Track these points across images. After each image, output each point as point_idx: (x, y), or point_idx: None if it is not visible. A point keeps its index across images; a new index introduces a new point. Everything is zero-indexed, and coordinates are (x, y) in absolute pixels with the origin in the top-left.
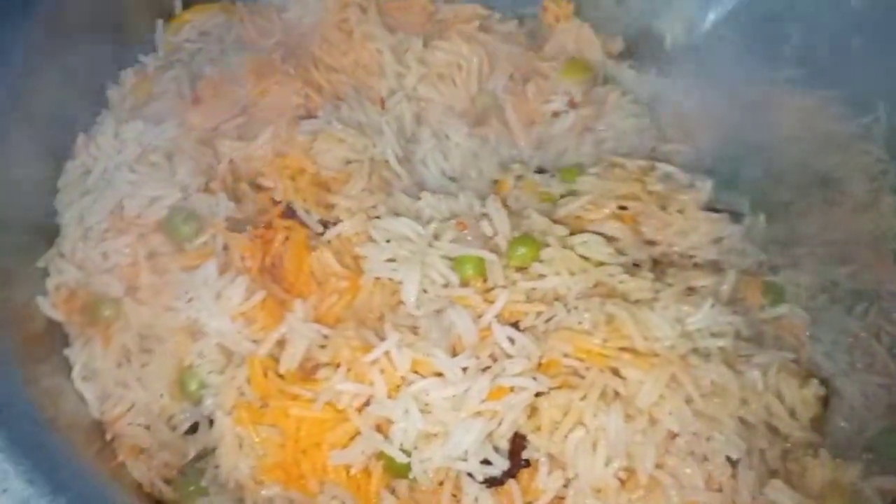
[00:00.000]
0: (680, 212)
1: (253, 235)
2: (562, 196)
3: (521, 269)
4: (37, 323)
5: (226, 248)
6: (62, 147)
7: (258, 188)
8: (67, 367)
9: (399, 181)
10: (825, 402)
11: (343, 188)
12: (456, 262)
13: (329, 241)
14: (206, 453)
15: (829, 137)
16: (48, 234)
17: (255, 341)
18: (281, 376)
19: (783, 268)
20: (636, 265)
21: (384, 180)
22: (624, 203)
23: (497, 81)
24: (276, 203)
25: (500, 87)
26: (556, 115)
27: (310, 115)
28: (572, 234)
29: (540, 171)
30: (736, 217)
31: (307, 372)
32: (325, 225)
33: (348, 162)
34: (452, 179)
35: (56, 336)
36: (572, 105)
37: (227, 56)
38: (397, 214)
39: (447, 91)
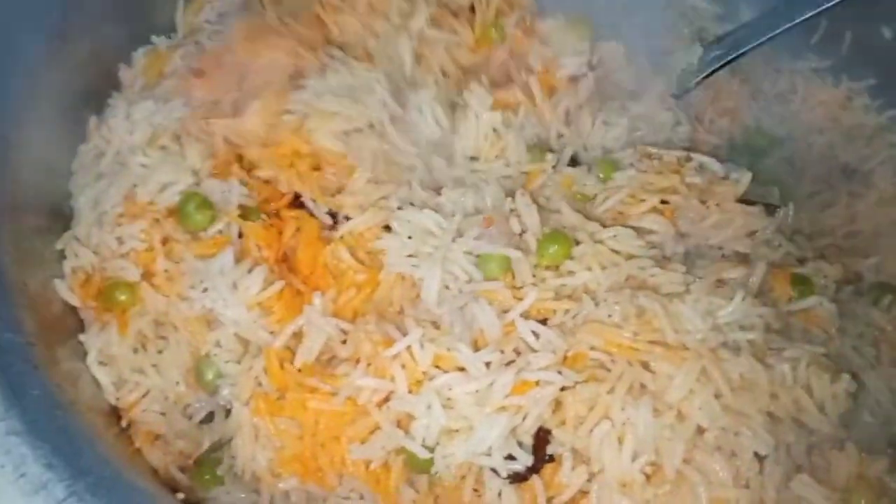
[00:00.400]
0: (717, 204)
1: (267, 224)
2: (596, 194)
3: (550, 267)
4: (54, 306)
5: (241, 236)
6: (80, 129)
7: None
8: (84, 352)
9: (411, 172)
10: (855, 397)
11: (348, 182)
12: (480, 260)
13: (342, 237)
14: (221, 443)
15: (856, 129)
16: (66, 216)
17: (272, 332)
18: (298, 369)
19: (810, 260)
20: (666, 258)
21: (393, 166)
22: (665, 197)
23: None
24: (282, 194)
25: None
26: (573, 80)
27: (300, 76)
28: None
29: (573, 163)
30: (770, 209)
31: (324, 365)
32: (335, 216)
33: (346, 133)
34: (473, 159)
35: (73, 320)
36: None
37: (228, 24)
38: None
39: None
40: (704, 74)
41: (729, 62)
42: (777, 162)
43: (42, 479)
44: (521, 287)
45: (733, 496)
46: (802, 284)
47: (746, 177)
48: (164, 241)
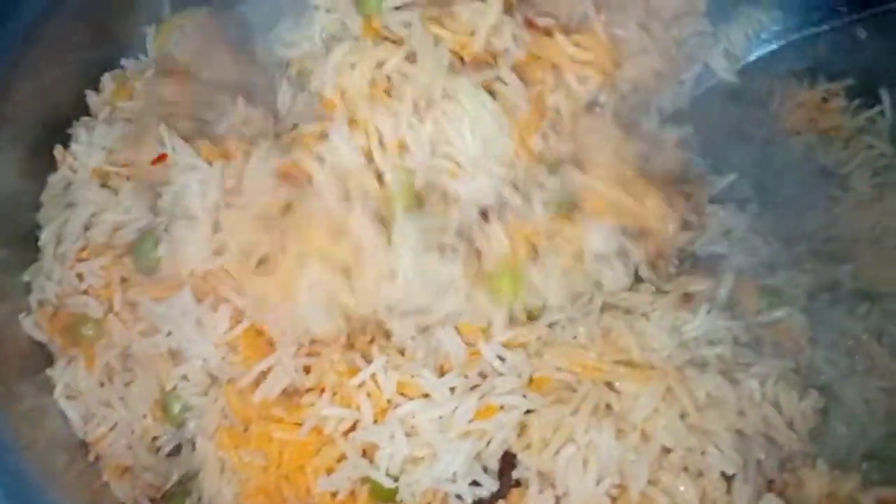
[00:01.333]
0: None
1: None
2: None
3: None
4: (20, 341)
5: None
6: (49, 158)
7: None
8: (51, 387)
9: None
10: (825, 411)
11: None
12: None
13: None
14: (190, 476)
15: (833, 130)
16: (36, 247)
17: (240, 370)
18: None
19: (783, 266)
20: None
21: None
22: None
23: None
24: None
25: None
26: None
27: None
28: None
29: None
30: (742, 205)
31: (288, 395)
32: None
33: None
34: None
35: (41, 354)
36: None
37: None
38: None
39: None
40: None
41: None
42: (754, 165)
43: None
44: None
45: None
46: (771, 296)
47: (726, 178)
48: (123, 280)
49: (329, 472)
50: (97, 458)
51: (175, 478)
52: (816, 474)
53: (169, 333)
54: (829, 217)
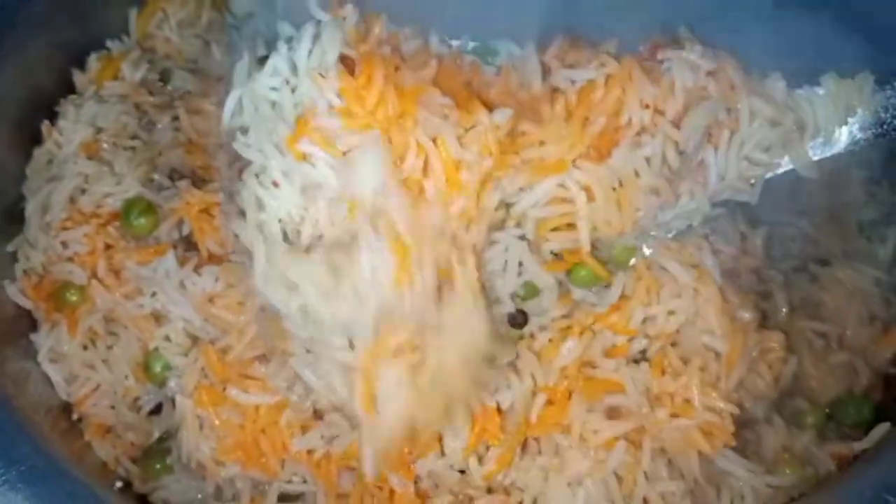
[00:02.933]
0: None
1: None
2: None
3: None
4: (6, 308)
5: (190, 235)
6: (36, 133)
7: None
8: (35, 352)
9: None
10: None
11: None
12: None
13: None
14: (170, 433)
15: None
16: (20, 219)
17: (222, 329)
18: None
19: None
20: None
21: None
22: None
23: None
24: None
25: None
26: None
27: None
28: None
29: None
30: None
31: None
32: None
33: None
34: None
35: (25, 320)
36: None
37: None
38: None
39: None
40: None
41: None
42: None
43: None
44: None
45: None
46: None
47: None
48: (107, 247)
49: (304, 430)
50: (80, 418)
51: (156, 435)
52: (774, 430)
53: (153, 294)
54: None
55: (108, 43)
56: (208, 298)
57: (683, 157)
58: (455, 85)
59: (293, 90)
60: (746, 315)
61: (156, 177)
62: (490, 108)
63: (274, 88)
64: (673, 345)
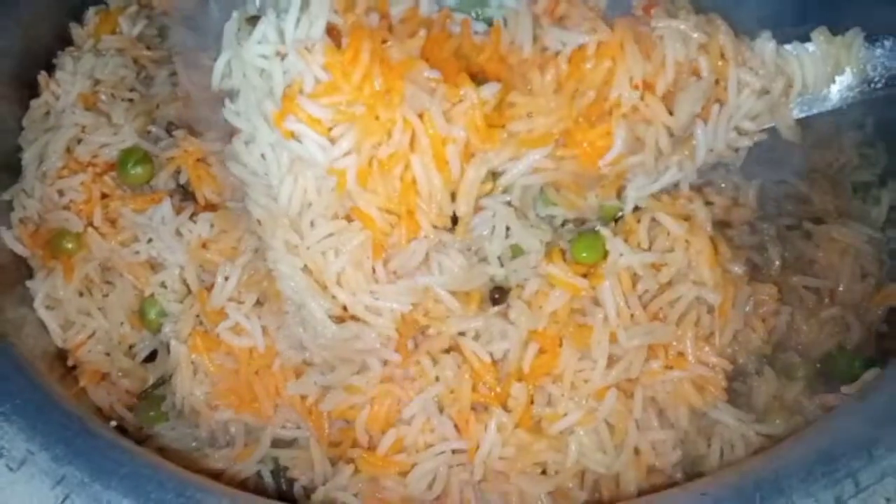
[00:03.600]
0: None
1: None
2: None
3: None
4: (2, 255)
5: (186, 185)
6: (32, 86)
7: None
8: (31, 299)
9: None
10: None
11: None
12: None
13: None
14: (164, 380)
15: None
16: (16, 169)
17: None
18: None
19: None
20: None
21: None
22: None
23: None
24: None
25: None
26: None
27: None
28: None
29: None
30: None
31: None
32: None
33: None
34: None
35: (20, 268)
36: None
37: None
38: None
39: None
40: None
41: None
42: None
43: None
44: None
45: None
46: None
47: None
48: (103, 196)
49: (298, 375)
50: (75, 365)
51: (150, 382)
52: (765, 380)
53: (150, 241)
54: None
55: None
56: (202, 244)
57: (674, 138)
58: (443, 54)
59: (282, 58)
60: (737, 268)
61: (153, 129)
62: (479, 76)
63: (263, 56)
64: (663, 293)
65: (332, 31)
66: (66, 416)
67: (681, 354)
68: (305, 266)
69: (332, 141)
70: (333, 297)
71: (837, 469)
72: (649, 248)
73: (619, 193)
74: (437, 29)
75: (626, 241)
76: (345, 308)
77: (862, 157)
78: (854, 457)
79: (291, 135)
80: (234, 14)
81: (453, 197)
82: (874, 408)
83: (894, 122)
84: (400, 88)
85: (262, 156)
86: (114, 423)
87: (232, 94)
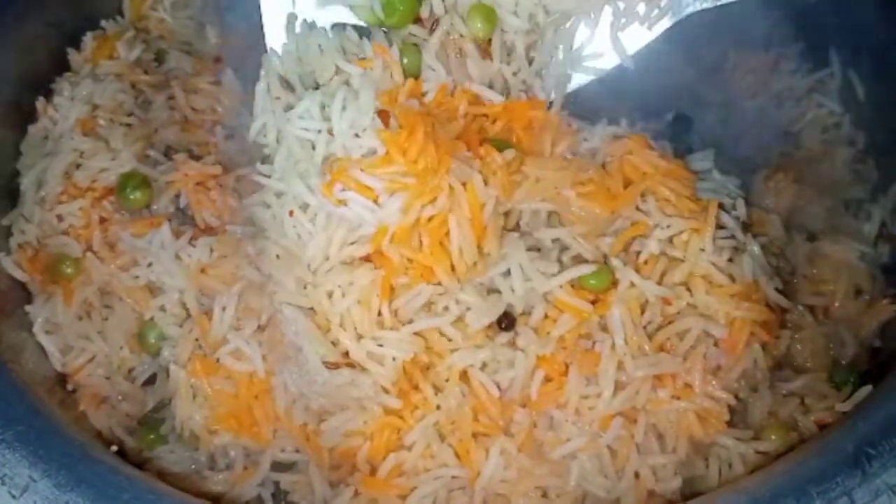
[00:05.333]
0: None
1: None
2: None
3: None
4: (1, 280)
5: (185, 209)
6: (30, 111)
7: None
8: (30, 323)
9: None
10: None
11: None
12: None
13: None
14: (164, 403)
15: (786, 92)
16: (15, 194)
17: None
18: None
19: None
20: None
21: None
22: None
23: None
24: None
25: None
26: None
27: None
28: None
29: None
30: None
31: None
32: None
33: None
34: None
35: (19, 293)
36: None
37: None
38: None
39: None
40: None
41: None
42: (711, 128)
43: None
44: None
45: None
46: None
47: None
48: (102, 220)
49: (296, 401)
50: (74, 389)
51: (150, 405)
52: (760, 397)
53: (149, 265)
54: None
55: (103, 23)
56: (201, 269)
57: None
58: (469, 133)
59: (327, 132)
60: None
61: (151, 153)
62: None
63: (305, 129)
64: (670, 323)
65: (379, 113)
66: (68, 442)
67: (687, 386)
68: (311, 308)
69: (379, 205)
70: (334, 342)
71: (832, 488)
72: (661, 280)
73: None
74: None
75: (636, 270)
76: (345, 354)
77: (853, 172)
78: (849, 475)
79: (340, 202)
80: (263, 75)
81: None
82: (868, 425)
83: (885, 138)
84: (447, 162)
85: (290, 212)
86: (114, 447)
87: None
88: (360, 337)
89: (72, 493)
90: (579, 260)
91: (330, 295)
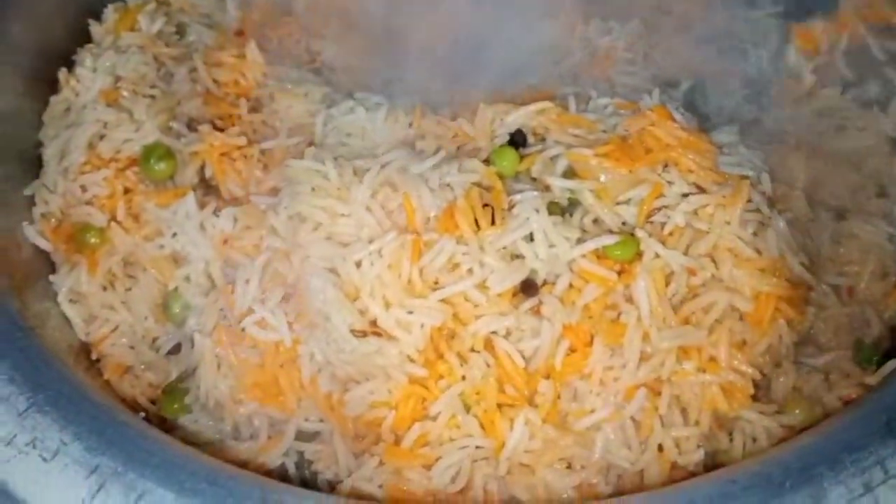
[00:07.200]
0: None
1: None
2: None
3: None
4: (24, 250)
5: (209, 180)
6: (53, 82)
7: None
8: (54, 293)
9: None
10: None
11: None
12: None
13: None
14: (188, 373)
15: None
16: (37, 164)
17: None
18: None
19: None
20: None
21: None
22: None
23: None
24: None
25: None
26: None
27: None
28: None
29: None
30: None
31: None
32: None
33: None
34: None
35: (43, 263)
36: None
37: None
38: None
39: None
40: None
41: None
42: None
43: (4, 392)
44: None
45: None
46: None
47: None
48: (126, 191)
49: (322, 369)
50: (98, 358)
51: (174, 375)
52: (784, 372)
53: (174, 235)
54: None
55: None
56: (224, 240)
57: None
58: None
59: None
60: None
61: (174, 125)
62: None
63: None
64: (695, 296)
65: None
66: (96, 406)
67: (712, 359)
68: (339, 277)
69: None
70: (361, 311)
71: (865, 457)
72: (686, 251)
73: (650, 216)
74: None
75: (661, 242)
76: (373, 322)
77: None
78: (881, 444)
79: None
80: None
81: None
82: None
83: None
84: None
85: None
86: (142, 414)
87: None
88: (388, 305)
89: (102, 457)
90: (600, 225)
91: (359, 264)
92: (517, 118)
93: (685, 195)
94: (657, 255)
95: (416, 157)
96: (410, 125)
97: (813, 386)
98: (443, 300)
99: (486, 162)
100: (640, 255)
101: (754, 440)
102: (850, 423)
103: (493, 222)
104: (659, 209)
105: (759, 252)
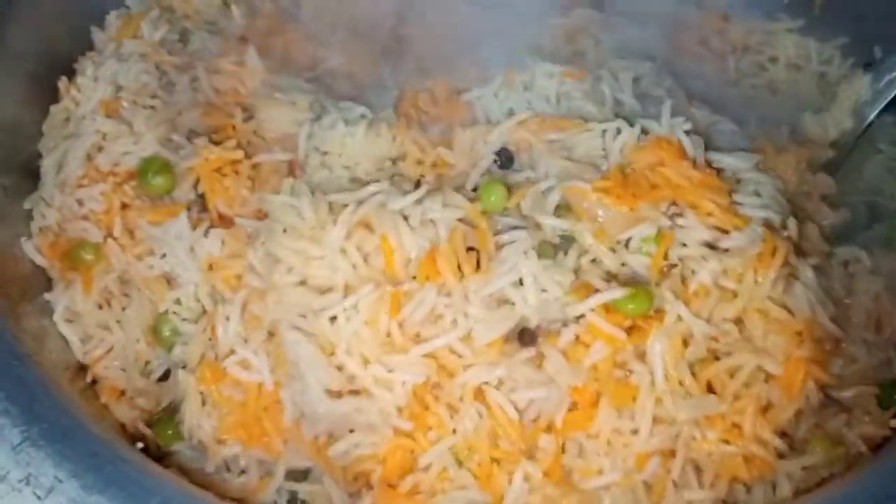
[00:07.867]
0: None
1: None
2: None
3: None
4: (22, 265)
5: (202, 196)
6: (52, 91)
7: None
8: (51, 311)
9: None
10: None
11: None
12: None
13: None
14: (178, 402)
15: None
16: (36, 176)
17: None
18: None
19: None
20: None
21: None
22: None
23: None
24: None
25: None
26: None
27: None
28: None
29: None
30: None
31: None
32: None
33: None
34: None
35: (41, 279)
36: None
37: None
38: None
39: None
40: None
41: None
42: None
43: None
44: None
45: None
46: None
47: None
48: (124, 206)
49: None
50: (95, 380)
51: (164, 404)
52: (805, 412)
53: (163, 256)
54: None
55: (127, 1)
56: (209, 264)
57: None
58: None
59: None
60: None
61: (174, 137)
62: None
63: None
64: (717, 359)
65: None
66: (94, 440)
67: (735, 426)
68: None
69: None
70: (339, 367)
71: None
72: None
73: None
74: None
75: (683, 301)
76: (351, 378)
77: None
78: None
79: None
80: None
81: None
82: None
83: None
84: None
85: None
86: (140, 444)
87: None
88: (366, 362)
89: (100, 496)
90: (598, 265)
91: (333, 320)
92: (499, 136)
93: (709, 245)
94: (679, 318)
95: (396, 189)
96: (394, 139)
97: (835, 423)
98: (425, 355)
99: (474, 189)
100: (655, 310)
101: (775, 488)
102: (875, 474)
103: (478, 267)
104: (674, 265)
105: (789, 311)
